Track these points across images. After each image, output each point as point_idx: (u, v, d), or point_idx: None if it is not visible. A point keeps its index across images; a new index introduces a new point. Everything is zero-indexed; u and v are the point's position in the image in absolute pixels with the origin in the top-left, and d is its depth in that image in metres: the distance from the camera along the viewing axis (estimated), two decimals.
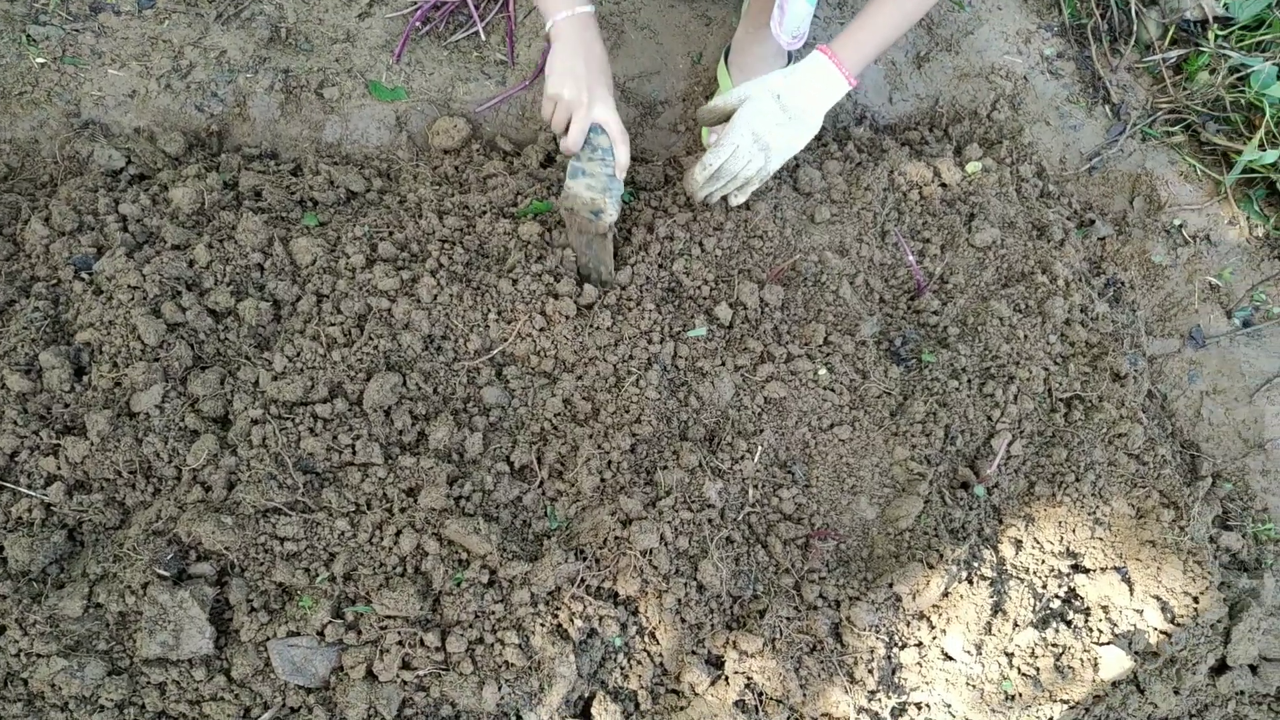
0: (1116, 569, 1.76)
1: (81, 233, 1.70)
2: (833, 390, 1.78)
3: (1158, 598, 1.75)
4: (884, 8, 1.66)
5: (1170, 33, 2.35)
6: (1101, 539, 1.78)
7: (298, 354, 1.61)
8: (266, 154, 1.94)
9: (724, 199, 1.84)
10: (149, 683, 1.42)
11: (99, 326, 1.59)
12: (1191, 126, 2.29)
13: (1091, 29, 2.36)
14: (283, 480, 1.52)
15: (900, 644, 1.62)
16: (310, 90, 1.95)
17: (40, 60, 1.86)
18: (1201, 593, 1.76)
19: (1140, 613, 1.74)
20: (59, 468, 1.50)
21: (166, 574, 1.44)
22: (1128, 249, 2.18)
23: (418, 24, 2.04)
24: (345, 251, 1.72)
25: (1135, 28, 2.34)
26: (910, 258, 1.94)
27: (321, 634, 1.46)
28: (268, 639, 1.45)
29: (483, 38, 2.07)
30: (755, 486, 1.69)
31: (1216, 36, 2.32)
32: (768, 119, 1.66)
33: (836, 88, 1.67)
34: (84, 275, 1.66)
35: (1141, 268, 2.17)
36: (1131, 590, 1.75)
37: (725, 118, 1.73)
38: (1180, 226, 2.20)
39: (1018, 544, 1.74)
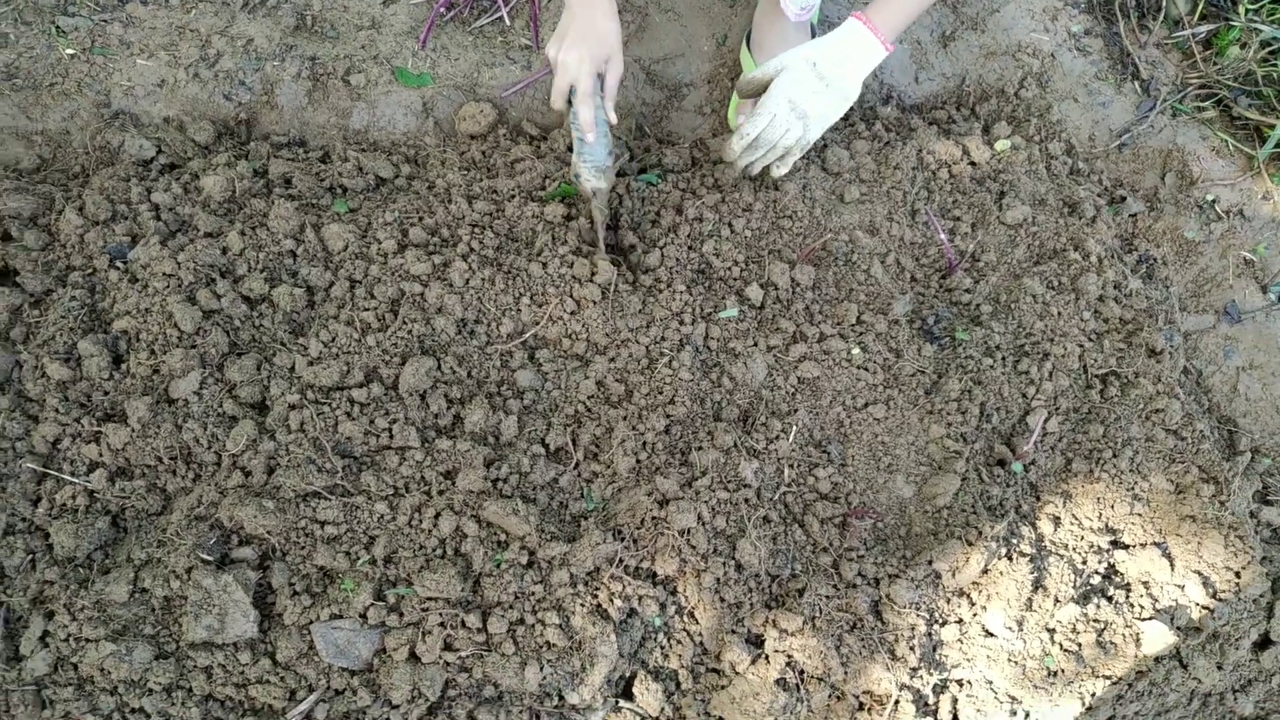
0: (1157, 544, 1.75)
1: (115, 222, 1.71)
2: (866, 369, 1.78)
3: (1199, 573, 1.73)
4: None
5: (1200, 7, 2.32)
6: (1141, 515, 1.77)
7: (333, 339, 1.62)
8: (295, 142, 1.94)
9: (765, 171, 1.81)
10: (195, 666, 1.42)
11: (136, 314, 1.60)
12: (1223, 101, 2.26)
13: (1119, 5, 2.34)
14: (322, 464, 1.52)
15: (941, 621, 1.62)
16: (337, 77, 1.95)
17: (70, 51, 1.86)
18: (1244, 567, 1.75)
19: (1182, 588, 1.72)
20: (101, 455, 1.51)
21: (210, 558, 1.45)
22: (1160, 225, 2.16)
23: (442, 10, 2.04)
24: (377, 237, 1.72)
25: (1163, 3, 2.32)
26: (942, 235, 1.93)
27: (364, 616, 1.46)
28: (311, 622, 1.45)
29: (507, 23, 2.07)
30: (791, 466, 1.68)
31: (1247, 10, 2.29)
32: (804, 87, 1.64)
33: (873, 54, 1.65)
34: (119, 264, 1.67)
35: (1174, 244, 2.15)
36: (1172, 566, 1.73)
37: (763, 89, 1.71)
38: (1213, 202, 2.17)
39: (1056, 521, 1.73)
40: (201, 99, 1.90)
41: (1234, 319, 2.09)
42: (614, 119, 1.55)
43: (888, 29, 1.65)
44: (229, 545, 1.48)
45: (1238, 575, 1.75)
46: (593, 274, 1.71)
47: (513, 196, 1.82)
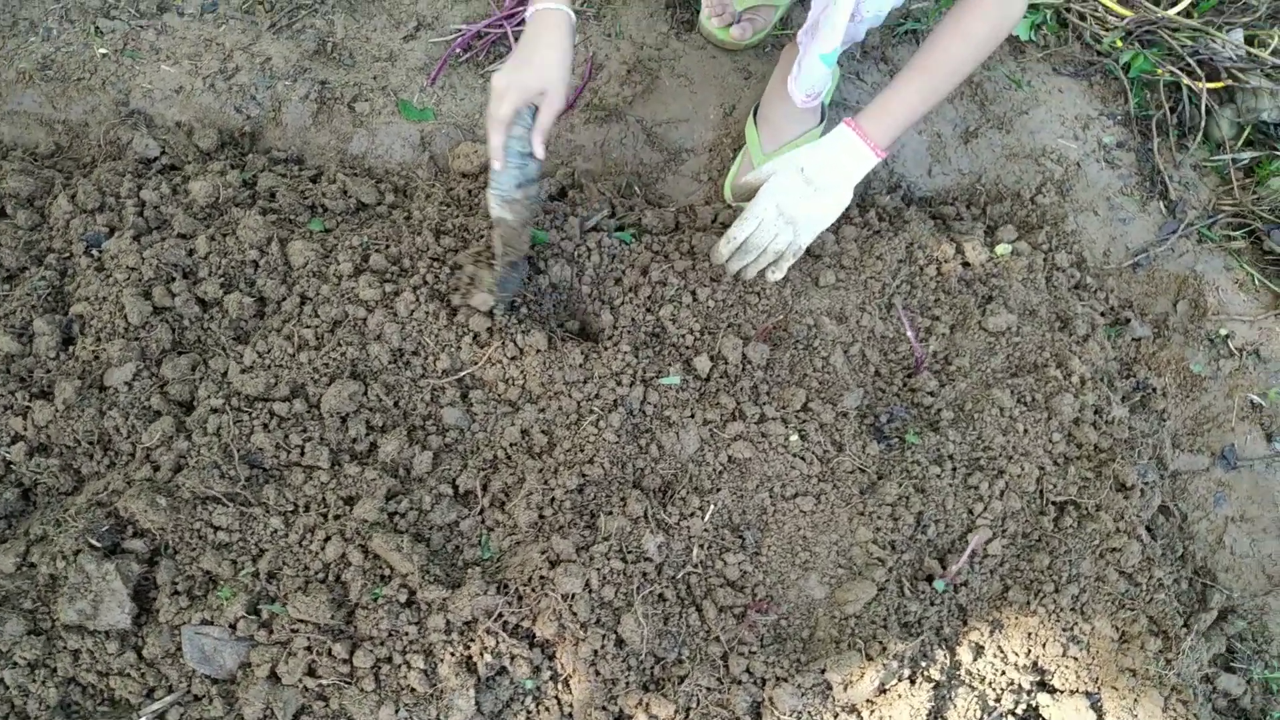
0: (1087, 694, 1.62)
1: (101, 212, 1.80)
2: (802, 459, 1.71)
3: None
4: (913, 79, 1.60)
5: (1245, 133, 2.21)
6: (1076, 659, 1.64)
7: (268, 350, 1.66)
8: (293, 159, 2.01)
9: (761, 274, 1.79)
10: (65, 648, 1.45)
11: (93, 301, 1.68)
12: (1255, 233, 2.13)
13: (1157, 121, 2.24)
14: (226, 470, 1.55)
15: None
16: (343, 103, 2.03)
17: (103, 51, 1.99)
18: None
19: None
20: (25, 429, 1.57)
21: (99, 545, 1.48)
22: (1165, 354, 2.03)
23: (459, 50, 2.10)
24: (337, 258, 1.76)
25: (1205, 124, 2.21)
26: (909, 332, 1.86)
27: (234, 627, 1.47)
28: (183, 624, 1.47)
29: None
30: (701, 546, 1.63)
31: None
32: (792, 193, 1.64)
33: (863, 160, 1.63)
34: (93, 252, 1.75)
35: (1177, 376, 2.02)
36: None
37: (754, 193, 1.71)
38: (1227, 337, 2.03)
39: (979, 650, 1.62)
40: (214, 108, 2.00)
41: (1230, 465, 1.94)
42: (539, 152, 1.53)
43: (879, 136, 1.62)
44: (123, 535, 1.52)
45: None
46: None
47: (481, 236, 1.84)
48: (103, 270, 1.72)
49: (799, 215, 1.66)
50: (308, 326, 1.69)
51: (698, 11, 2.20)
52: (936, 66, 1.57)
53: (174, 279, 1.71)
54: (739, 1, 2.09)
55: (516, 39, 2.11)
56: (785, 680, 1.52)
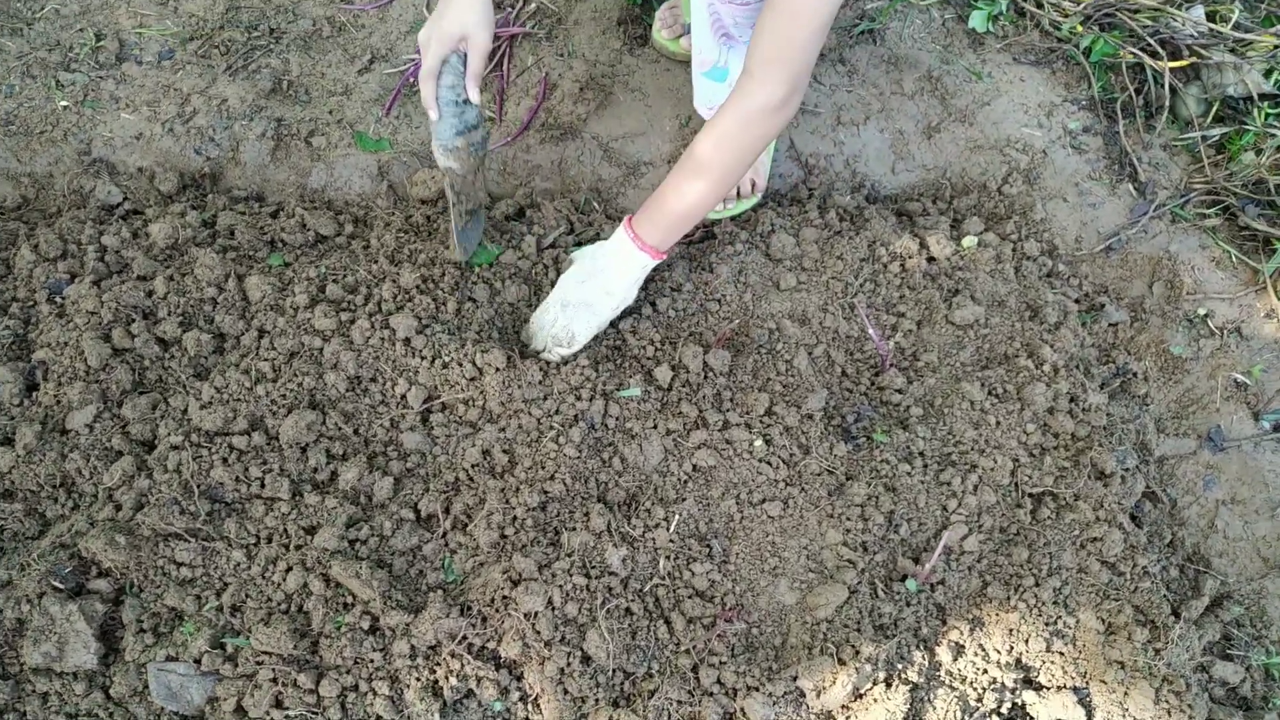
0: (1075, 689, 1.57)
1: (63, 259, 1.82)
2: (768, 464, 1.69)
3: None
4: (679, 181, 1.60)
5: (1214, 110, 2.17)
6: (1062, 654, 1.59)
7: (226, 385, 1.66)
8: (253, 196, 2.03)
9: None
10: (34, 691, 1.45)
11: (55, 347, 1.69)
12: (1229, 209, 2.09)
13: (1122, 104, 2.21)
14: (186, 506, 1.55)
15: None
16: (300, 138, 2.05)
17: (64, 103, 2.03)
18: None
19: None
20: None
21: (62, 586, 1.49)
22: (1144, 337, 1.99)
23: (412, 80, 2.12)
24: (293, 290, 1.77)
25: (1171, 103, 2.18)
26: (871, 330, 1.84)
27: (198, 662, 1.47)
28: (148, 661, 1.47)
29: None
30: (668, 558, 1.61)
31: (1267, 115, 2.12)
32: (574, 277, 1.72)
33: (634, 260, 1.68)
34: (55, 299, 1.77)
35: (1158, 359, 1.98)
36: (1090, 716, 1.55)
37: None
38: (1206, 316, 1.99)
39: (959, 649, 1.58)
40: (174, 152, 2.03)
41: (1218, 446, 1.89)
42: (475, 97, 1.54)
43: (652, 238, 1.66)
44: (87, 576, 1.52)
45: None
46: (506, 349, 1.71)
47: (434, 260, 1.84)
48: (63, 316, 1.74)
49: (572, 300, 1.70)
50: (264, 359, 1.69)
51: (649, 27, 2.21)
52: (698, 168, 1.57)
53: (133, 320, 1.73)
54: (687, 13, 2.09)
55: None
56: (756, 689, 1.49)
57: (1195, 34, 2.18)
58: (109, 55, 2.08)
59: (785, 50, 1.42)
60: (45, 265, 1.81)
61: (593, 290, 1.69)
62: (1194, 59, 2.17)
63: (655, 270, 1.89)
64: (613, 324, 1.81)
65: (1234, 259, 2.05)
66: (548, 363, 1.74)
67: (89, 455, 1.60)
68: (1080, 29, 2.25)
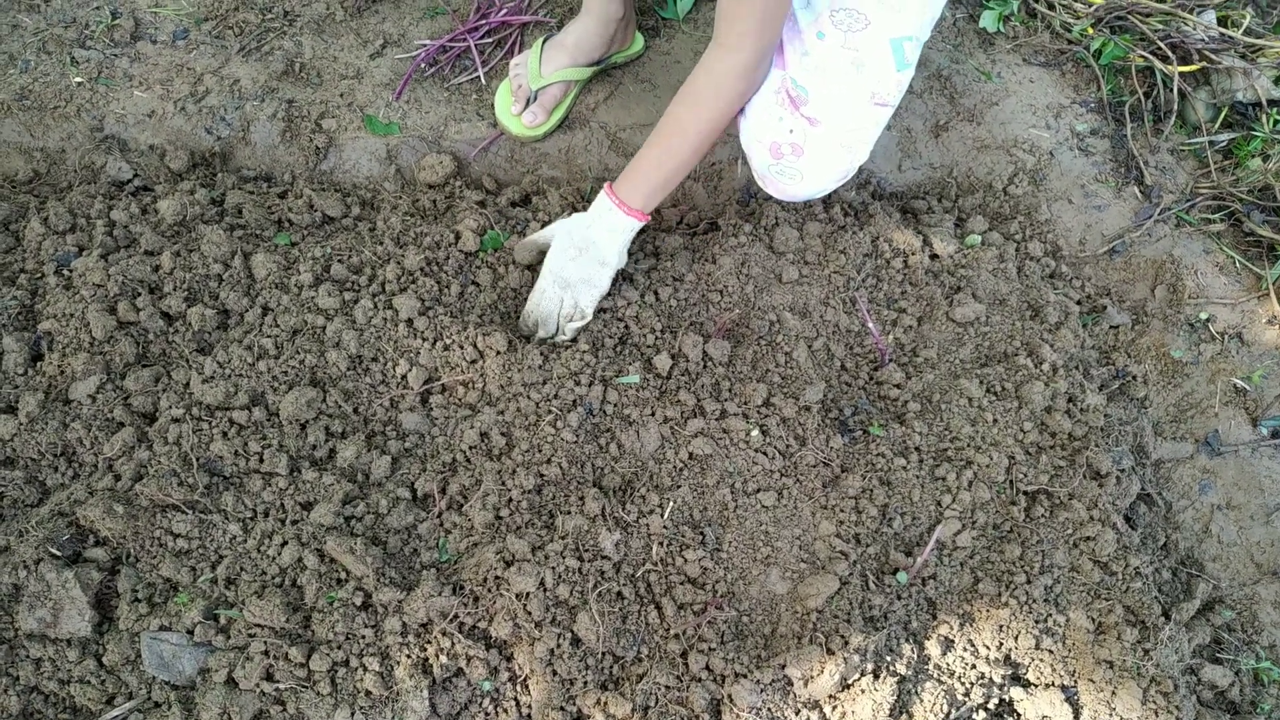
0: (1063, 687, 1.57)
1: (72, 233, 1.84)
2: (764, 454, 1.70)
3: None
4: (656, 143, 1.68)
5: (1222, 115, 2.17)
6: (1051, 651, 1.60)
7: (228, 361, 1.68)
8: (262, 176, 2.05)
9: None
10: (27, 656, 1.47)
11: (60, 318, 1.71)
12: (1235, 215, 2.09)
13: (1131, 107, 2.21)
14: (184, 478, 1.57)
15: None
16: (310, 120, 2.06)
17: (79, 79, 2.05)
18: None
19: None
20: None
21: (59, 554, 1.50)
22: (1145, 340, 1.99)
23: (424, 65, 2.13)
24: (299, 269, 1.79)
25: (1180, 107, 2.18)
26: (870, 325, 1.84)
27: (191, 633, 1.48)
28: (142, 630, 1.48)
29: (483, 82, 2.14)
30: (661, 544, 1.61)
31: (1275, 121, 2.12)
32: (563, 255, 1.73)
33: (620, 224, 1.72)
34: (64, 271, 1.79)
35: (1158, 362, 1.97)
36: (1077, 714, 1.55)
37: (537, 250, 1.82)
38: (1207, 321, 1.99)
39: (948, 643, 1.58)
40: (185, 130, 2.04)
41: (1215, 451, 1.89)
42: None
43: (634, 199, 1.71)
44: (84, 544, 1.54)
45: None
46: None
47: (439, 243, 1.85)
48: (70, 288, 1.75)
49: (571, 277, 1.72)
50: (267, 336, 1.71)
51: (660, 19, 2.22)
52: (673, 131, 1.66)
53: (139, 294, 1.74)
54: (534, 79, 2.03)
55: (480, 53, 2.14)
56: (744, 676, 1.49)
57: (1206, 39, 2.17)
58: (124, 33, 2.10)
59: (755, 24, 1.52)
60: (54, 238, 1.83)
61: (588, 265, 1.72)
62: (1204, 64, 2.17)
63: (658, 260, 1.91)
64: (617, 315, 1.82)
65: (1238, 264, 2.04)
66: (556, 344, 1.75)
67: (90, 425, 1.61)
68: (1091, 31, 2.25)
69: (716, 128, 1.67)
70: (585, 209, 1.99)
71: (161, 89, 2.06)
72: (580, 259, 1.73)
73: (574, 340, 1.76)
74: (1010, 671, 1.58)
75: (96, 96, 2.05)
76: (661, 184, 1.71)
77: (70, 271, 1.78)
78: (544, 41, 2.05)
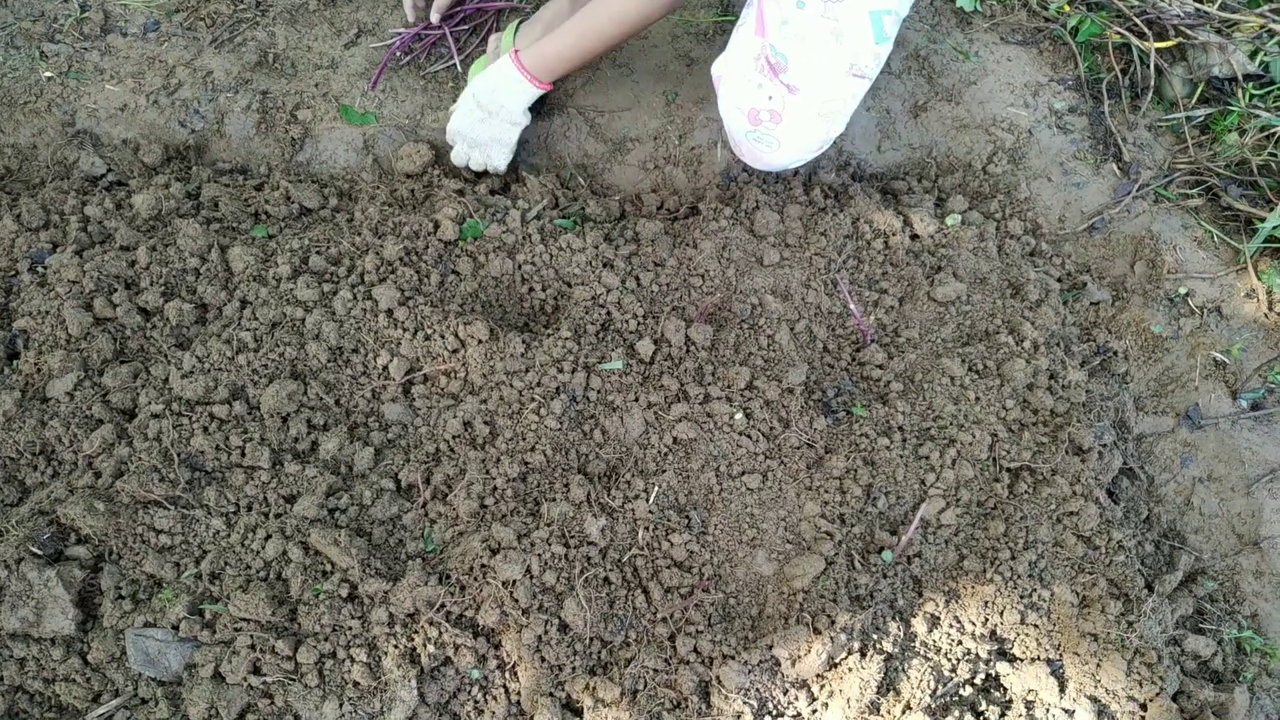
0: (1048, 661, 1.58)
1: (45, 229, 1.82)
2: (748, 436, 1.70)
3: (1094, 699, 1.56)
4: (571, 28, 1.81)
5: (1199, 90, 2.18)
6: (1036, 626, 1.61)
7: (208, 355, 1.66)
8: (237, 169, 2.03)
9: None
10: (11, 656, 1.46)
11: (36, 316, 1.69)
12: (1212, 190, 2.10)
13: (1108, 84, 2.21)
14: (166, 474, 1.56)
15: (774, 713, 1.50)
16: (285, 112, 2.04)
17: (48, 74, 2.02)
18: (1150, 699, 1.56)
19: (1071, 714, 1.55)
20: None
21: (40, 552, 1.49)
22: (1124, 317, 2.00)
23: (399, 54, 2.11)
24: (276, 261, 1.77)
25: (1157, 84, 2.18)
26: (852, 305, 1.84)
27: (176, 628, 1.47)
28: (126, 627, 1.47)
29: (459, 69, 2.13)
30: (647, 529, 1.61)
31: (1251, 96, 2.13)
32: (470, 117, 1.90)
33: (522, 89, 1.87)
34: (38, 269, 1.77)
35: (1138, 337, 1.98)
36: (1063, 687, 1.56)
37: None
38: (1186, 295, 2.00)
39: (934, 620, 1.59)
40: (159, 124, 2.02)
41: (1195, 424, 1.90)
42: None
43: (537, 69, 1.85)
44: (65, 542, 1.53)
45: (1143, 708, 1.56)
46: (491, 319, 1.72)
47: (417, 233, 1.84)
48: (45, 285, 1.74)
49: (480, 138, 1.91)
50: (246, 329, 1.70)
51: None
52: (590, 28, 1.79)
53: (115, 290, 1.73)
54: (508, 50, 2.05)
55: (455, 41, 2.13)
56: (732, 658, 1.50)
57: (1181, 14, 2.18)
58: (94, 27, 2.07)
59: None
60: (28, 235, 1.81)
61: (498, 126, 1.91)
62: (1180, 39, 2.17)
63: (639, 246, 1.90)
64: (599, 301, 1.81)
65: (1216, 239, 2.05)
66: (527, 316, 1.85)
67: (69, 423, 1.60)
68: (1067, 8, 2.25)
69: (633, 29, 1.79)
70: (564, 195, 1.99)
71: (133, 82, 2.04)
72: (490, 122, 1.89)
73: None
74: (996, 647, 1.60)
75: (67, 91, 2.02)
76: (564, 67, 1.86)
77: (45, 268, 1.76)
78: (519, 23, 2.05)
